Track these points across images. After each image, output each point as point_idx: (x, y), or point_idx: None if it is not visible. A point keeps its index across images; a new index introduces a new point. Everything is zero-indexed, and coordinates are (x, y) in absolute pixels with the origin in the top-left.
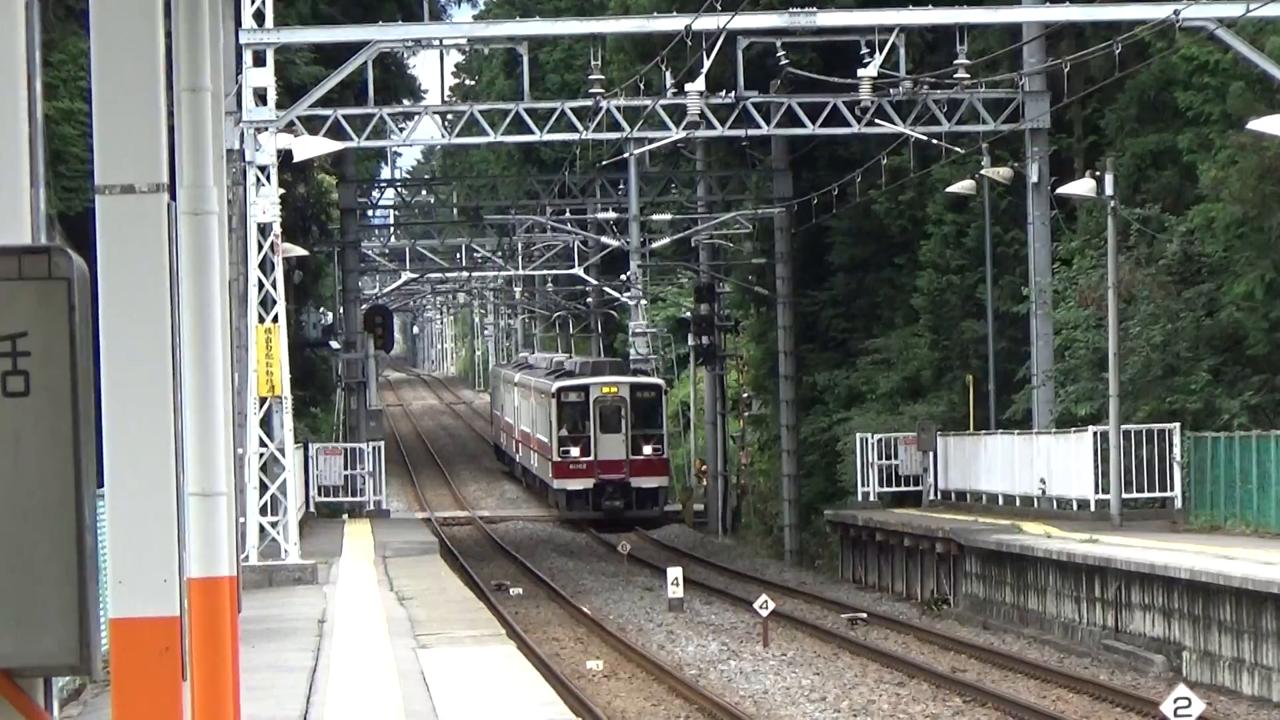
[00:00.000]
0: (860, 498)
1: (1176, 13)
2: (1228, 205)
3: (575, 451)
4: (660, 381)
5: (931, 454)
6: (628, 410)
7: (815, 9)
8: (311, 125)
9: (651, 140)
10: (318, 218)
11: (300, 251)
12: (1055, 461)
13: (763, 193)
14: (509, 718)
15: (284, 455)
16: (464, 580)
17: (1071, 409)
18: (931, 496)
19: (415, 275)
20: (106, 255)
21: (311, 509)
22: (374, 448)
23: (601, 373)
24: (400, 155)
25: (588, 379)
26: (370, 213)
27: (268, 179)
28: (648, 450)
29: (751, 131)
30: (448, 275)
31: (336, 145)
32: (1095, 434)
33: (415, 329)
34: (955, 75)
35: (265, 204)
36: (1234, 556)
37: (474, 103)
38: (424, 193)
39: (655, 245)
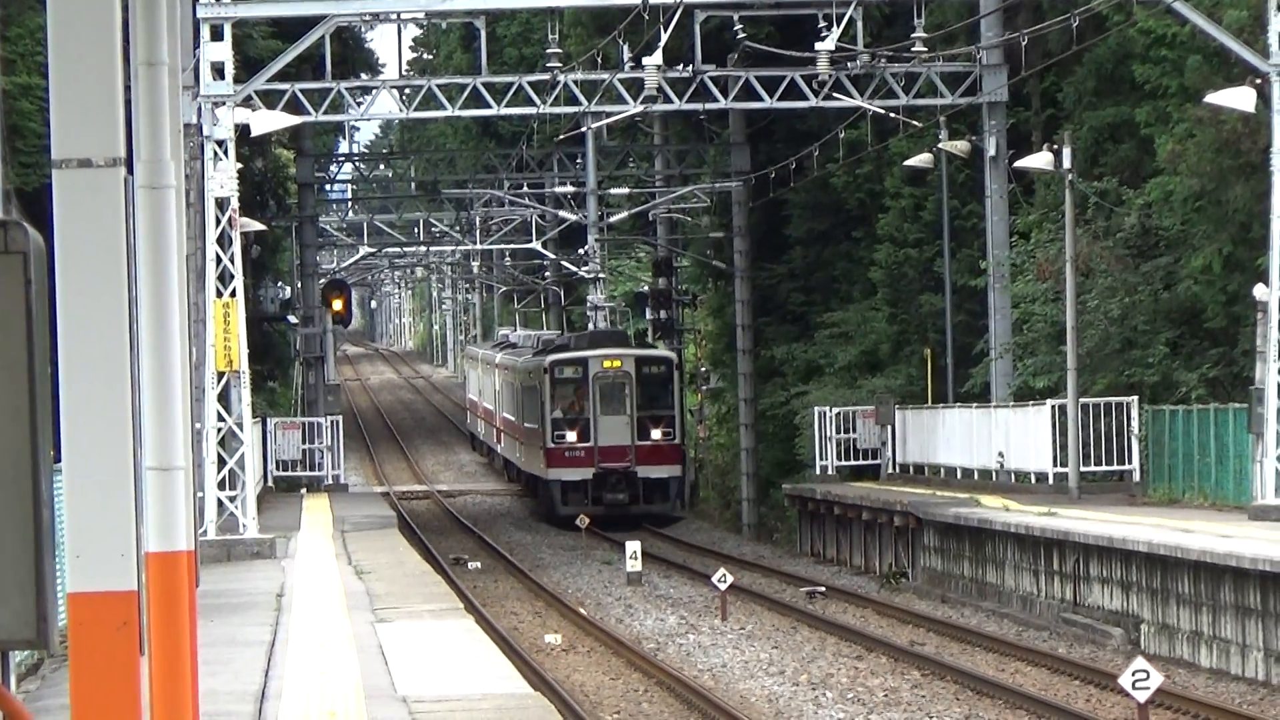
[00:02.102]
0: (818, 471)
1: None
2: (1185, 179)
3: (571, 436)
4: (671, 355)
5: (890, 427)
6: (633, 387)
7: None
8: (269, 99)
9: (609, 114)
10: (275, 192)
11: (258, 226)
12: (1013, 435)
13: (720, 166)
14: (467, 691)
15: (242, 430)
16: (422, 554)
17: (1029, 382)
18: (890, 470)
19: (373, 249)
20: (63, 229)
21: (269, 483)
22: (332, 422)
23: (601, 345)
24: (358, 130)
25: (585, 352)
26: (328, 187)
27: (225, 153)
28: (656, 434)
29: (709, 105)
30: (405, 249)
31: (294, 119)
32: (1053, 407)
33: (373, 303)
34: (913, 49)
35: (223, 178)
36: (1192, 529)
37: (431, 77)
38: (382, 167)
39: (613, 219)
